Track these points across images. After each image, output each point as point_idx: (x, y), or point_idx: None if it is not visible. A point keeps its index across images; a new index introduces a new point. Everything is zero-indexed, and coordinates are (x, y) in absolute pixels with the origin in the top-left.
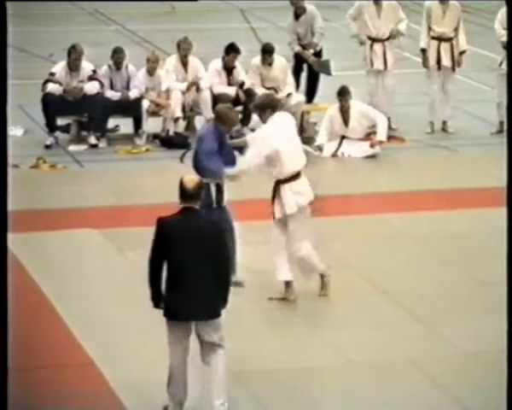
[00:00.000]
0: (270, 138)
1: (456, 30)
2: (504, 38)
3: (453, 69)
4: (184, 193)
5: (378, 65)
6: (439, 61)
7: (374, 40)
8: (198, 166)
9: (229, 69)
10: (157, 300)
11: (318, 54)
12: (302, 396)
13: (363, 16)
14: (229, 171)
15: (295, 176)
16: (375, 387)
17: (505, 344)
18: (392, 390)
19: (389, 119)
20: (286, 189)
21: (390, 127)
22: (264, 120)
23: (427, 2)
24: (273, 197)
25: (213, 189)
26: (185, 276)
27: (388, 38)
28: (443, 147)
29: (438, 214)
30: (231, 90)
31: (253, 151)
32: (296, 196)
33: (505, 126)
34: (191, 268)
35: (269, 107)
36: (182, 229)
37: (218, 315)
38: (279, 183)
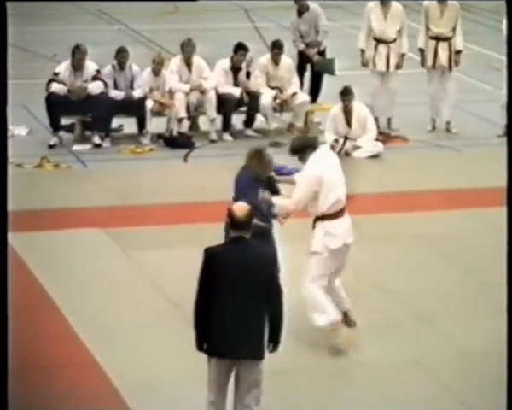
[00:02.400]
0: (316, 174)
1: (453, 30)
2: None
3: (450, 68)
4: (234, 221)
5: (381, 66)
6: (436, 61)
7: (379, 41)
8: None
9: (236, 70)
10: (201, 341)
11: (322, 53)
12: (307, 396)
13: (370, 16)
14: (278, 204)
15: (335, 214)
16: (378, 387)
17: (506, 344)
18: (396, 390)
19: (389, 119)
20: (320, 227)
21: (390, 128)
22: (304, 161)
23: (426, 2)
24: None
25: None
26: (232, 310)
27: (394, 40)
28: (446, 147)
29: (441, 214)
30: (236, 91)
31: (299, 190)
32: (328, 237)
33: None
34: (238, 302)
35: (308, 147)
36: (230, 259)
37: (261, 356)
38: (317, 219)
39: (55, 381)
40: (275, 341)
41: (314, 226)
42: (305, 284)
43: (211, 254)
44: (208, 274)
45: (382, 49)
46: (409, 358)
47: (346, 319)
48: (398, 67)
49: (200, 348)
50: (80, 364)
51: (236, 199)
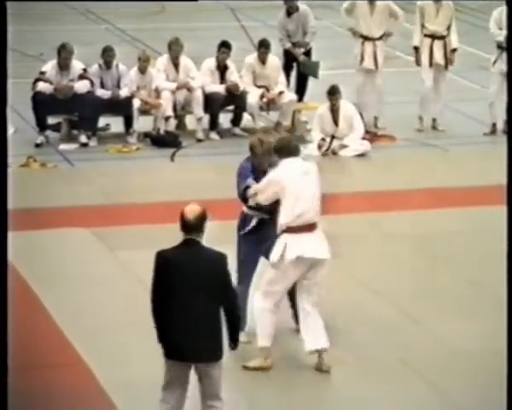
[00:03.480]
0: (277, 177)
1: (448, 28)
2: (500, 38)
3: (446, 67)
4: (184, 224)
5: (368, 64)
6: (431, 60)
7: (365, 38)
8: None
9: (222, 69)
10: (161, 336)
11: (308, 53)
12: (292, 394)
13: (355, 13)
14: (252, 189)
15: (300, 228)
16: (366, 386)
17: (499, 344)
18: (383, 390)
19: (376, 118)
20: (282, 239)
21: (376, 126)
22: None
23: (420, 2)
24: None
25: (254, 222)
26: (183, 313)
27: (380, 38)
28: (434, 146)
29: (429, 213)
30: (222, 89)
31: (258, 187)
32: (286, 248)
33: (499, 127)
34: (190, 305)
35: (284, 151)
36: (181, 262)
37: (218, 358)
38: (283, 230)
39: (43, 381)
40: (234, 340)
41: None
42: (257, 295)
43: (161, 258)
44: (159, 277)
45: (369, 46)
46: (396, 357)
47: (319, 364)
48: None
49: (159, 342)
50: (67, 364)
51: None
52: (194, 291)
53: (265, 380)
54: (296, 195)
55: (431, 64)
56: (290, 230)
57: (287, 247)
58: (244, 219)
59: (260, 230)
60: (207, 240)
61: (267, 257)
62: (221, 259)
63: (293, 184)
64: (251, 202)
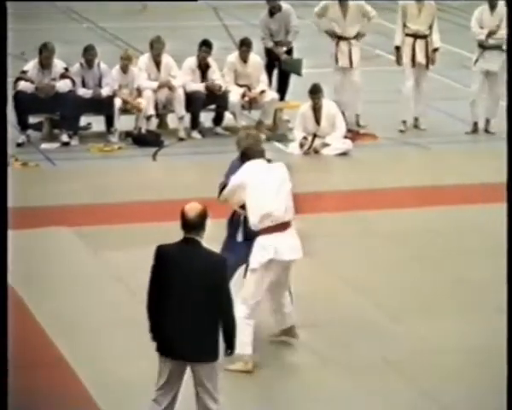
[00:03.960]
0: (240, 177)
1: (430, 28)
2: (481, 37)
3: (427, 66)
4: (184, 222)
5: (343, 63)
6: (413, 59)
7: (340, 38)
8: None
9: (203, 68)
10: (154, 332)
11: (289, 52)
12: (276, 393)
13: (328, 15)
14: (221, 195)
15: (269, 229)
16: (348, 385)
17: (482, 342)
18: (365, 389)
19: (357, 116)
20: (257, 242)
21: (358, 125)
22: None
23: (402, 1)
24: None
25: (243, 220)
26: (179, 311)
27: (355, 37)
28: (415, 144)
29: (411, 212)
30: (203, 88)
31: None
32: (259, 252)
33: (480, 126)
34: (186, 304)
35: (246, 156)
36: (178, 259)
37: (213, 359)
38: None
39: (25, 380)
40: (229, 345)
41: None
42: (236, 302)
43: (161, 253)
44: (158, 273)
45: (344, 46)
46: (379, 356)
47: (291, 333)
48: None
49: (154, 338)
50: (49, 364)
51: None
52: (191, 291)
53: (247, 381)
54: (259, 194)
55: (413, 64)
56: (262, 231)
57: (260, 250)
58: (232, 216)
59: (247, 228)
60: None
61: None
62: (219, 262)
63: (256, 184)
64: (220, 198)
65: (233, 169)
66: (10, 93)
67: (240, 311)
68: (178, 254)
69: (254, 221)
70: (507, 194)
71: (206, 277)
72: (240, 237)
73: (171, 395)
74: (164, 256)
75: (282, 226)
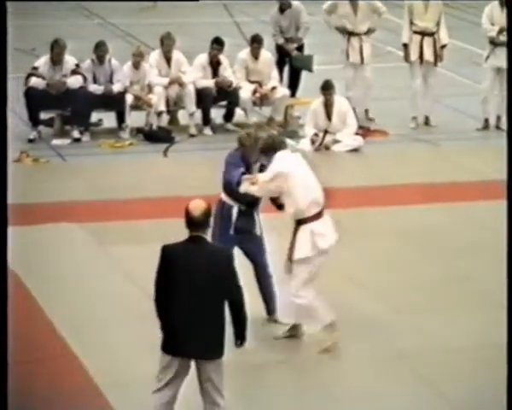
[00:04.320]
0: (281, 169)
1: (438, 24)
2: (492, 33)
3: (435, 64)
4: (190, 220)
5: (354, 59)
6: (421, 56)
7: (350, 34)
8: (225, 187)
9: (214, 65)
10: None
11: (300, 48)
12: (287, 390)
13: (338, 13)
14: (243, 185)
15: (317, 215)
16: (355, 382)
17: (488, 338)
18: (376, 384)
19: (367, 111)
20: (305, 230)
21: (368, 118)
22: (269, 161)
23: (408, 1)
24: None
25: (235, 213)
26: (187, 310)
27: (366, 33)
28: (426, 141)
29: (420, 208)
30: (213, 84)
31: (263, 179)
32: (317, 237)
33: (491, 122)
34: (194, 302)
35: (274, 149)
36: (185, 258)
37: (220, 355)
38: (299, 223)
39: (35, 376)
40: (241, 337)
41: (296, 232)
42: (296, 293)
43: (167, 253)
44: (164, 273)
45: (355, 42)
46: (387, 352)
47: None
48: None
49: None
50: (58, 356)
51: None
52: (199, 288)
53: (260, 378)
54: (305, 182)
55: (421, 61)
56: (310, 219)
57: (317, 236)
58: (222, 208)
59: (238, 221)
60: None
61: (246, 254)
62: (227, 256)
63: (299, 172)
64: (242, 189)
65: (235, 160)
66: (21, 89)
67: (305, 296)
68: (185, 252)
69: (302, 208)
70: (507, 193)
71: (214, 273)
72: (232, 231)
73: (172, 391)
74: (170, 256)
75: (322, 213)
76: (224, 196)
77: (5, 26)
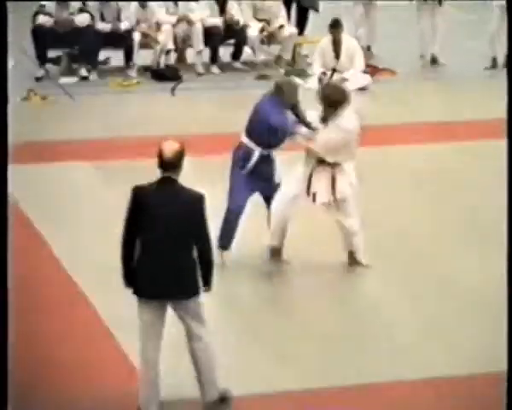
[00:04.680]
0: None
1: None
2: None
3: (440, 3)
4: (161, 161)
5: None
6: None
7: None
8: (258, 130)
9: (221, 2)
10: (128, 277)
11: None
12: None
13: None
14: (302, 133)
15: None
16: (367, 320)
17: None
18: (385, 325)
19: (369, 47)
20: (345, 172)
21: (370, 55)
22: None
23: None
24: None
25: (255, 157)
26: (160, 250)
27: None
28: (434, 79)
29: (429, 147)
30: (221, 22)
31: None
32: (351, 178)
33: (499, 61)
34: (164, 242)
35: (340, 103)
36: (155, 199)
37: (194, 293)
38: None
39: (47, 321)
40: (207, 282)
41: (335, 172)
42: (352, 223)
43: (137, 194)
44: (134, 213)
45: None
46: (400, 293)
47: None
48: None
49: (128, 283)
50: (70, 302)
51: (255, 120)
52: (169, 230)
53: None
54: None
55: (425, 1)
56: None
57: (350, 175)
58: (244, 152)
59: (258, 165)
60: (211, 175)
61: (266, 196)
62: (198, 199)
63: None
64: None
65: (279, 110)
66: (29, 27)
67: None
68: (156, 193)
69: (353, 157)
70: (507, 192)
71: (185, 214)
72: (251, 175)
73: (155, 340)
74: (140, 197)
75: None
76: (246, 140)
77: (5, 26)
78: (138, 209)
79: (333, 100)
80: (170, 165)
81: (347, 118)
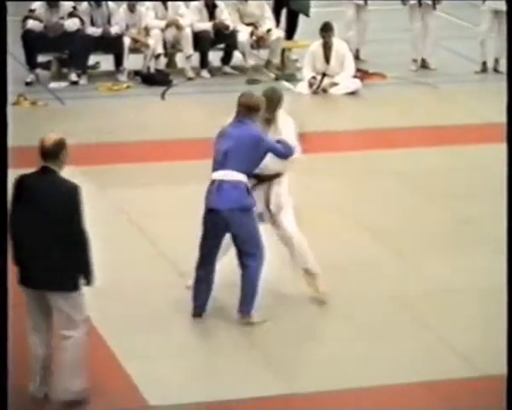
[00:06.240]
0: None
1: None
2: None
3: (434, 7)
4: (41, 151)
5: None
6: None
7: None
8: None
9: (210, 7)
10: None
11: None
12: (284, 328)
13: None
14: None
15: None
16: (356, 323)
17: (490, 282)
18: (374, 326)
19: (358, 50)
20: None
21: (358, 58)
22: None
23: None
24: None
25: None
26: (31, 238)
27: None
28: (424, 84)
29: (419, 151)
30: (211, 27)
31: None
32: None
33: (489, 65)
34: (38, 230)
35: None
36: (33, 188)
37: (68, 287)
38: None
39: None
40: (86, 275)
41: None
42: (292, 233)
43: (19, 182)
44: (14, 201)
45: None
46: (387, 294)
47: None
48: None
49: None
50: None
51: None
52: (45, 219)
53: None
54: None
55: (420, 4)
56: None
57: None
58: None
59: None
60: (192, 178)
61: None
62: (74, 190)
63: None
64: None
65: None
66: (18, 32)
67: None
68: (33, 182)
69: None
70: (507, 191)
71: (60, 204)
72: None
73: (41, 334)
74: (20, 185)
75: None
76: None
77: (5, 26)
78: (17, 196)
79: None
80: (49, 154)
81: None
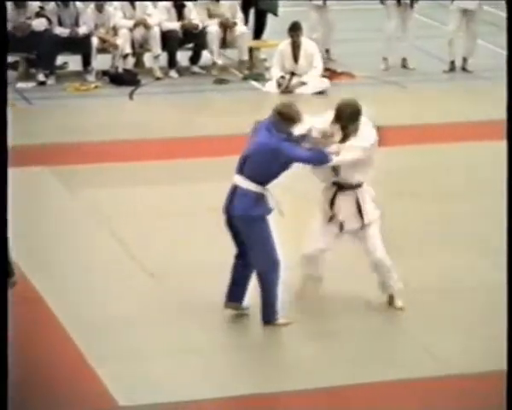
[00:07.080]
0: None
1: None
2: None
3: (412, 6)
4: None
5: (317, 0)
6: None
7: None
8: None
9: (179, 7)
10: None
11: None
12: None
13: None
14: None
15: None
16: (331, 323)
17: (469, 281)
18: (348, 325)
19: (327, 50)
20: (366, 193)
21: (329, 58)
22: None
23: None
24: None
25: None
26: None
27: None
28: (393, 83)
29: (387, 150)
30: (179, 27)
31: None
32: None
33: (457, 64)
34: None
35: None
36: None
37: None
38: (353, 188)
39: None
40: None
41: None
42: (380, 257)
43: None
44: None
45: None
46: (358, 294)
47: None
48: None
49: None
50: (28, 300)
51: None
52: None
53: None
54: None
55: (399, 3)
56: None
57: (372, 200)
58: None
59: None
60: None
61: None
62: None
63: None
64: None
65: (287, 140)
66: None
67: (386, 257)
68: None
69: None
70: (507, 189)
71: None
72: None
73: None
74: None
75: None
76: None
77: (5, 26)
78: None
79: (351, 113)
80: None
81: (369, 129)
